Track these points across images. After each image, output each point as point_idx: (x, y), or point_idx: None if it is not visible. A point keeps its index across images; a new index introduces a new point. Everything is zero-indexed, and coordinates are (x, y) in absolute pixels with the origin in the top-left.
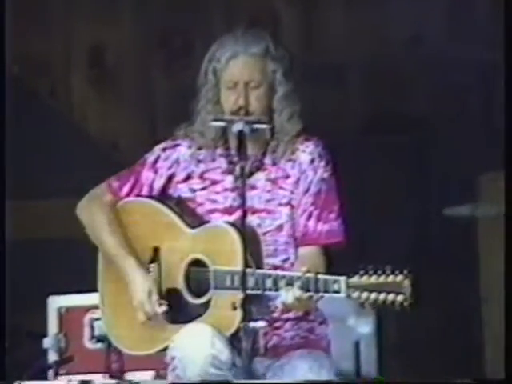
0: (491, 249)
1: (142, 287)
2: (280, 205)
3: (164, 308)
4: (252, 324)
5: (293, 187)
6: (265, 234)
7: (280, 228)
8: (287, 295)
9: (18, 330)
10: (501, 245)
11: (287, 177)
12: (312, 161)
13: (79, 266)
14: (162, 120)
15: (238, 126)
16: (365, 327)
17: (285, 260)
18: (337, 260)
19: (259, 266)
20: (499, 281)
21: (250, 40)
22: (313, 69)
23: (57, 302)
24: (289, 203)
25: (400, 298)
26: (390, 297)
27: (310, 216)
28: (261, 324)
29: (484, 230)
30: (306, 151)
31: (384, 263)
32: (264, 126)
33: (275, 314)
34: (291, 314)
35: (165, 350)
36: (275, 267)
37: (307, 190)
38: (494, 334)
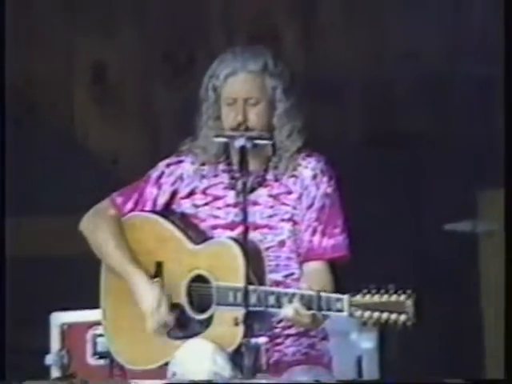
0: (490, 264)
1: (151, 296)
2: (282, 220)
3: (173, 316)
4: (254, 340)
5: (295, 203)
6: (267, 249)
7: (282, 244)
8: (288, 309)
9: (19, 346)
10: (501, 260)
11: (289, 193)
12: (314, 176)
13: (80, 283)
14: (163, 136)
15: (239, 142)
16: (367, 342)
17: (287, 276)
18: (339, 275)
19: (262, 281)
20: (499, 295)
21: (248, 57)
22: (313, 84)
23: (59, 319)
24: (291, 219)
25: (403, 317)
26: (393, 316)
27: (314, 231)
28: (263, 340)
29: (484, 245)
30: (308, 167)
31: (384, 279)
32: (266, 141)
33: (277, 330)
34: (292, 330)
35: (166, 365)
36: (277, 283)
37: (311, 206)
38: (495, 347)
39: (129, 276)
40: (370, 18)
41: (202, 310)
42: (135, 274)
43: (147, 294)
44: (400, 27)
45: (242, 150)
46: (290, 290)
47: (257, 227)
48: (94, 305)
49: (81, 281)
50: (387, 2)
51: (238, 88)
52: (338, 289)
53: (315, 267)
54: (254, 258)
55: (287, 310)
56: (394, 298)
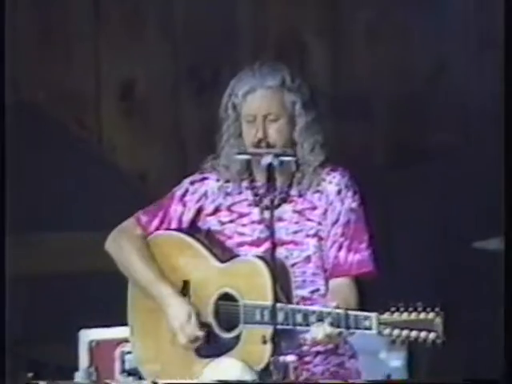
0: None
1: (181, 310)
2: (307, 236)
3: (204, 331)
4: (282, 358)
5: (320, 218)
6: (293, 265)
7: (308, 259)
8: (317, 332)
9: (47, 362)
10: None
11: (314, 208)
12: (339, 192)
13: (107, 300)
14: (191, 152)
15: (267, 160)
16: (396, 361)
17: (313, 291)
18: (365, 293)
19: (289, 298)
20: None
21: (266, 73)
22: (339, 100)
23: (88, 336)
24: (316, 234)
25: (432, 335)
26: (422, 334)
27: (340, 247)
28: (291, 358)
29: None
30: (333, 182)
31: (411, 296)
32: (289, 158)
33: (304, 348)
34: (320, 348)
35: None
36: (304, 299)
37: (336, 221)
38: None
39: (157, 292)
40: (395, 34)
41: (230, 329)
42: (164, 290)
43: (177, 309)
44: (425, 43)
45: (270, 168)
46: (318, 308)
47: (283, 243)
48: (122, 321)
49: (107, 297)
50: (413, 18)
51: (256, 105)
52: (365, 305)
53: (341, 283)
54: (280, 274)
55: (317, 333)
56: (422, 315)
